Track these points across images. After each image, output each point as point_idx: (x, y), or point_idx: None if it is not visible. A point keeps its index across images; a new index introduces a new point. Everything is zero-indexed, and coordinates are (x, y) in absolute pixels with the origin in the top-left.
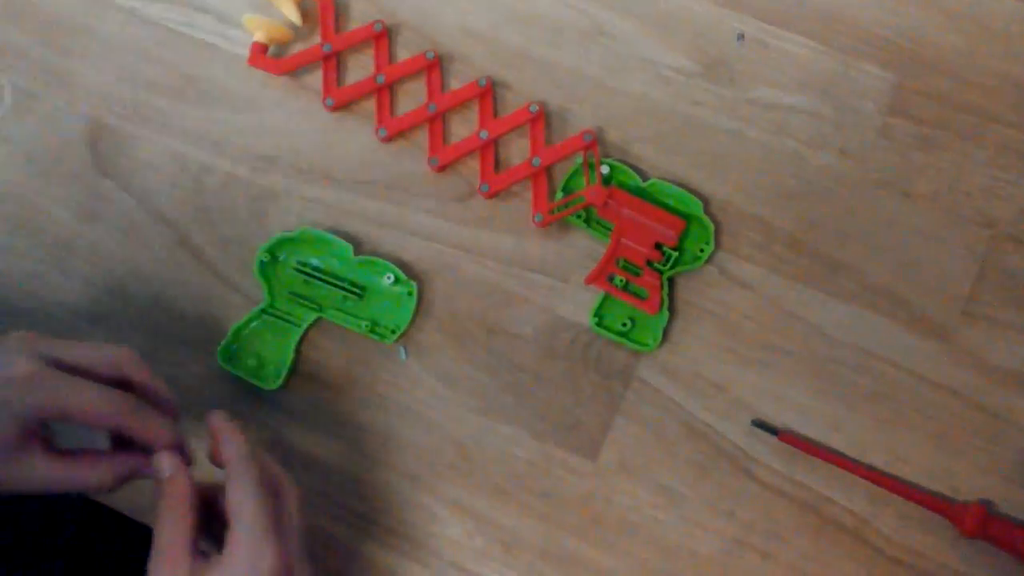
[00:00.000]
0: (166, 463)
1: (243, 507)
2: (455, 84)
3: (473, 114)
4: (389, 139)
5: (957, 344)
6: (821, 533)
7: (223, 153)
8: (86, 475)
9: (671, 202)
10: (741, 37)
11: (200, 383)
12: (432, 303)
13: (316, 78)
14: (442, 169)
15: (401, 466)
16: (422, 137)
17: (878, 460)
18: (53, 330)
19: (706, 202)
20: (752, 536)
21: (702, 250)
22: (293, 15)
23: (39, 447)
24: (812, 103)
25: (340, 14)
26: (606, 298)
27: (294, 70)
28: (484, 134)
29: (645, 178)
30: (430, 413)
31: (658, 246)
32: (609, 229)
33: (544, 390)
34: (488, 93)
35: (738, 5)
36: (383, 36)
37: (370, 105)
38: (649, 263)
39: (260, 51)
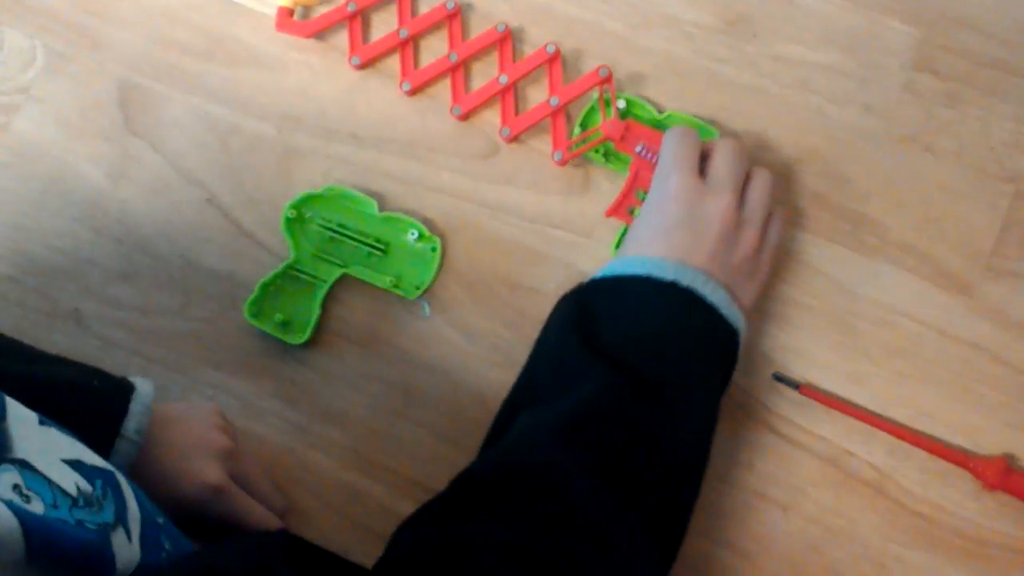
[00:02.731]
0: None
1: (715, 163)
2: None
3: (493, 66)
4: (414, 92)
5: (980, 299)
6: (842, 486)
7: (250, 113)
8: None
9: None
10: None
11: (228, 338)
12: (455, 259)
13: (342, 37)
14: (465, 117)
15: (424, 420)
16: (444, 94)
17: (900, 414)
18: (84, 288)
19: (721, 125)
20: (772, 489)
21: None
22: None
23: None
24: (836, 59)
25: None
26: (627, 230)
27: (321, 31)
28: (504, 79)
29: (661, 111)
30: (452, 368)
31: None
32: (627, 163)
33: None
34: (507, 39)
35: None
36: None
37: (394, 64)
38: None
39: (286, 15)
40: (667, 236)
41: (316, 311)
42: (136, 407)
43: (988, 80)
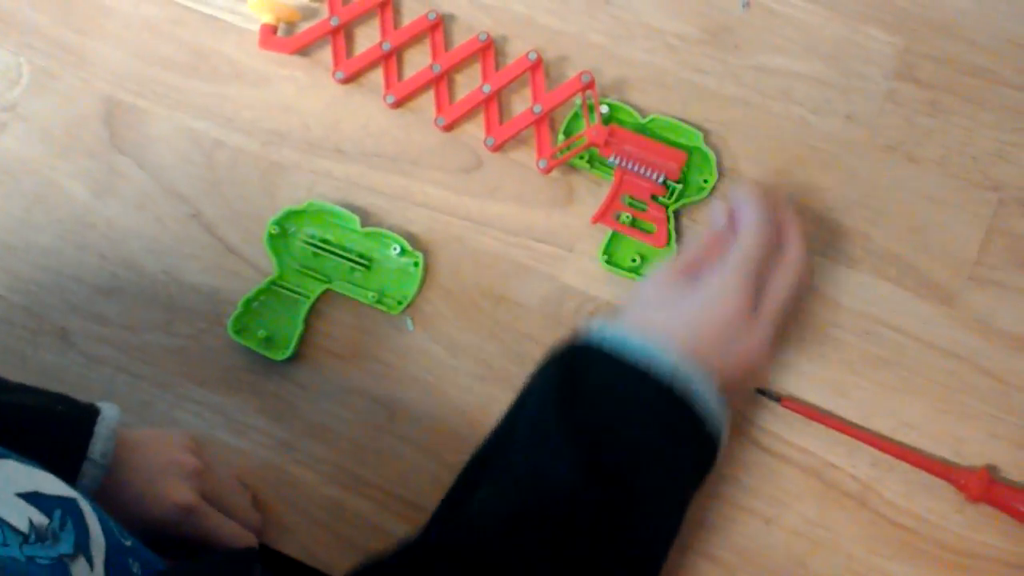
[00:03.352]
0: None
1: (736, 255)
2: None
3: (476, 77)
4: (397, 105)
5: (964, 309)
6: (825, 498)
7: (234, 128)
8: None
9: (671, 135)
10: (746, 3)
11: (213, 354)
12: (439, 273)
13: (326, 52)
14: (449, 128)
15: (408, 434)
16: (428, 106)
17: (883, 426)
18: (70, 304)
19: (706, 134)
20: (755, 501)
21: (706, 180)
22: None
23: None
24: (818, 69)
25: None
26: (614, 236)
27: (305, 47)
28: (487, 88)
29: (644, 116)
30: (436, 382)
31: (663, 180)
32: (612, 168)
33: None
34: (489, 48)
35: None
36: (388, 4)
37: (378, 77)
38: (654, 198)
39: (270, 32)
40: (690, 337)
41: (299, 327)
42: (102, 430)
43: (971, 88)
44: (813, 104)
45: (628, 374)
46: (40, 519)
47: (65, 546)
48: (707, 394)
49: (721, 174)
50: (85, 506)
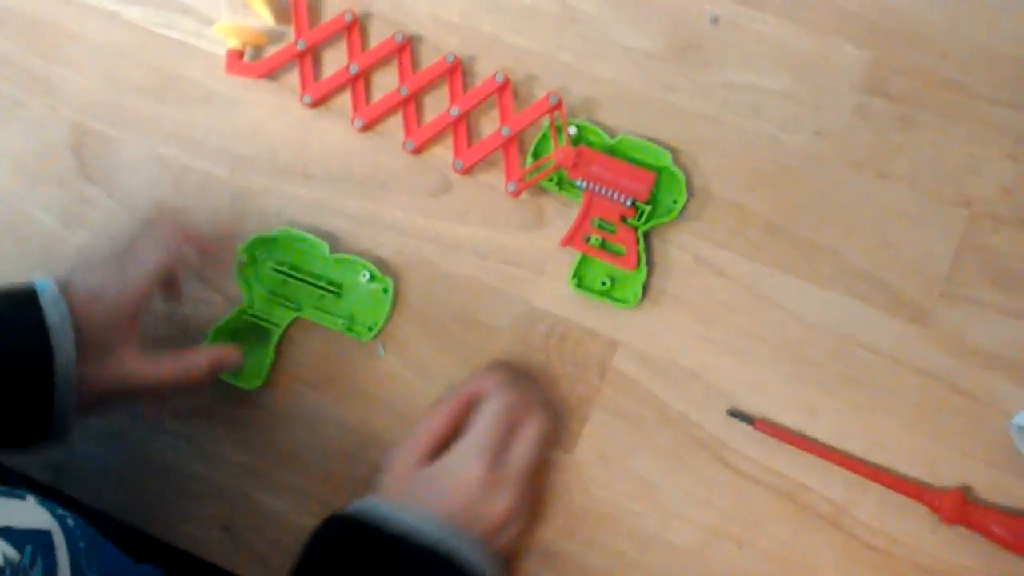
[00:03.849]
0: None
1: (477, 423)
2: None
3: (444, 100)
4: (365, 128)
5: (936, 326)
6: (798, 521)
7: (202, 154)
8: (171, 368)
9: (640, 156)
10: (715, 20)
11: (183, 384)
12: (409, 298)
13: (293, 76)
14: (418, 151)
15: (380, 461)
16: (396, 130)
17: (856, 446)
18: None
19: (675, 153)
20: (729, 525)
21: (675, 201)
22: (266, 15)
23: (135, 343)
24: (787, 85)
25: (315, 12)
26: (583, 259)
27: (271, 72)
28: (455, 111)
29: (613, 136)
30: (408, 407)
31: (632, 202)
32: (581, 191)
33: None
34: (456, 69)
35: None
36: (354, 26)
37: (346, 102)
38: (623, 219)
39: (236, 57)
40: (443, 511)
41: (270, 355)
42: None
43: (942, 102)
44: (782, 120)
45: (388, 542)
46: (13, 554)
47: None
48: (472, 554)
49: (691, 193)
50: (57, 540)
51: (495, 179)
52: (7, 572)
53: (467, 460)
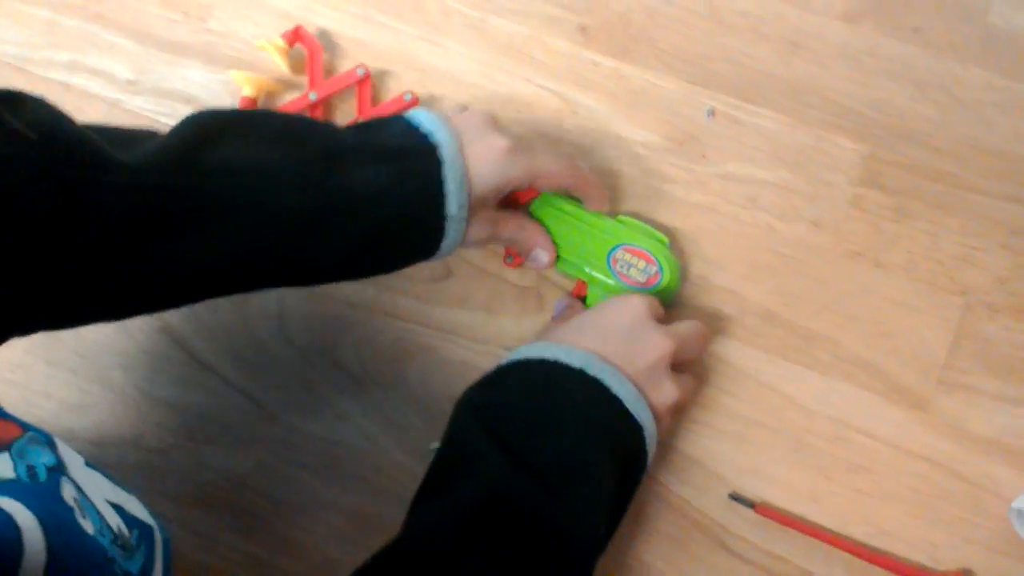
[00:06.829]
0: (545, 258)
1: None
2: None
3: None
4: None
5: (934, 413)
6: None
7: None
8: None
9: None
10: (711, 113)
11: (181, 469)
12: (410, 384)
13: None
14: None
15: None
16: None
17: (857, 531)
18: (36, 420)
19: (672, 240)
20: None
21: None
22: (282, 64)
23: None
24: (784, 177)
25: (331, 65)
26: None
27: None
28: None
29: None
30: (408, 494)
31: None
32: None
33: None
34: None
35: (708, 82)
36: (366, 81)
37: None
38: None
39: (250, 105)
40: (601, 338)
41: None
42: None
43: (935, 194)
44: (779, 211)
45: (540, 368)
46: (124, 530)
47: (135, 565)
48: (619, 382)
49: (690, 281)
50: (158, 538)
51: (495, 265)
52: (118, 541)
53: (626, 302)
